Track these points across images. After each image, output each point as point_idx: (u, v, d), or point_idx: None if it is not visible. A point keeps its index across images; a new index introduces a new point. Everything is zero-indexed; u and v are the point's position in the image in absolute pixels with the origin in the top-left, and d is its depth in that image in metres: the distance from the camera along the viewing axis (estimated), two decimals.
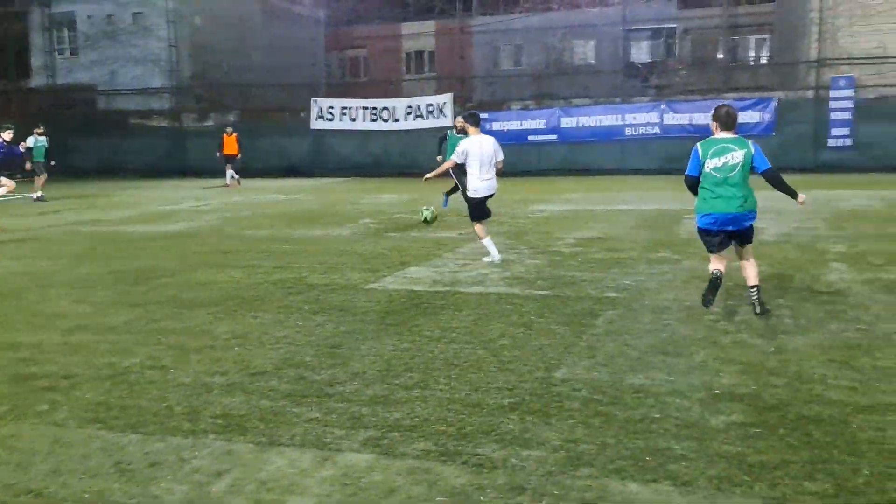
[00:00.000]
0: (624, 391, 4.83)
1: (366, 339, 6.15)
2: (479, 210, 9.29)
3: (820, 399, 4.60)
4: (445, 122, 25.49)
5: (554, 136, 24.04)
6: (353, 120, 26.70)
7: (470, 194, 9.37)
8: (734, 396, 4.69)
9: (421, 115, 25.97)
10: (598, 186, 19.77)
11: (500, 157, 9.29)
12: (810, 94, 22.92)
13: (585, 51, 34.42)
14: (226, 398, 4.90)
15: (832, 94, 21.89)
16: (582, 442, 4.09)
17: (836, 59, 23.06)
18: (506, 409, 4.58)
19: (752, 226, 6.56)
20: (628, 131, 23.86)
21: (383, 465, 3.90)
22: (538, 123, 24.36)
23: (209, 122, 29.13)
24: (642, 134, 23.71)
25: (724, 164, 6.53)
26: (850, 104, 21.71)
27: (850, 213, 13.16)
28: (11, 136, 16.57)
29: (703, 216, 6.62)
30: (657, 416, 4.42)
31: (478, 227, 9.36)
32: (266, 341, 6.19)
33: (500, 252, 9.47)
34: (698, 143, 6.81)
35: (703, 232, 6.66)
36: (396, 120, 26.03)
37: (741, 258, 6.69)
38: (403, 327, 6.51)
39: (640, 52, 33.70)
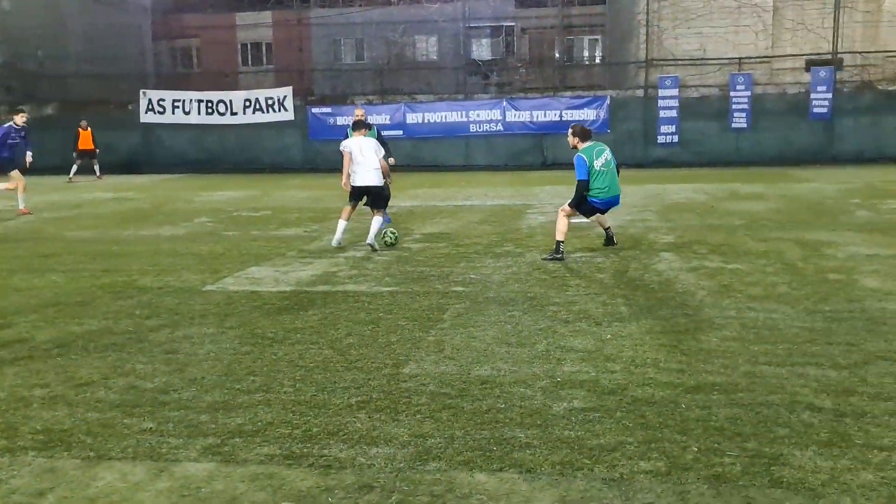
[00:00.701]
0: (471, 383, 4.88)
1: (204, 344, 5.88)
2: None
3: (653, 382, 4.84)
4: (287, 116, 25.00)
5: (399, 132, 24.10)
6: (187, 113, 25.50)
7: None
8: (575, 383, 4.84)
9: (260, 109, 25.20)
10: (443, 182, 20.02)
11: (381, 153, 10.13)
12: (640, 93, 24.27)
13: (427, 47, 34.78)
14: (47, 412, 4.52)
15: (660, 93, 23.28)
16: (430, 436, 4.08)
17: (663, 59, 24.55)
18: (353, 408, 4.51)
19: None
20: (473, 128, 24.32)
21: (224, 473, 3.72)
22: (383, 118, 24.33)
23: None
24: (486, 130, 24.25)
25: (606, 160, 9.05)
26: (675, 103, 23.18)
27: (678, 205, 14.03)
28: (25, 119, 14.53)
29: (600, 200, 9.13)
30: (503, 406, 4.49)
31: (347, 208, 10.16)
32: (92, 350, 5.77)
33: (346, 250, 9.44)
34: (580, 154, 9.01)
35: (593, 207, 9.23)
36: (234, 113, 25.11)
37: (601, 219, 9.61)
38: (245, 330, 6.28)
39: (481, 50, 34.50)
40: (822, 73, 22.47)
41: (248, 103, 25.27)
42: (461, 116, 24.31)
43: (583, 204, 9.18)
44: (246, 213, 14.29)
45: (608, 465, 3.72)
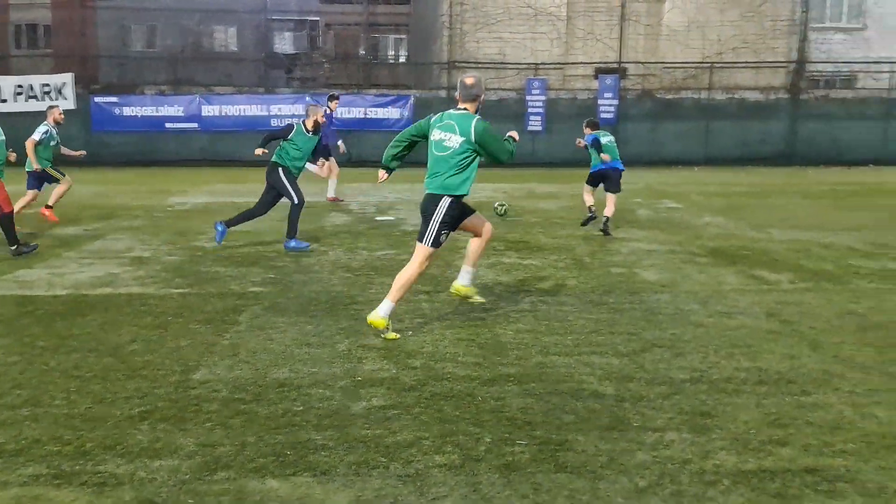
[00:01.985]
0: (267, 387, 4.72)
1: None
2: None
3: (451, 376, 4.92)
4: (67, 104, 23.05)
5: (195, 125, 22.99)
6: None
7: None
8: (375, 381, 4.82)
9: (35, 96, 23.03)
10: (243, 178, 19.35)
11: None
12: (443, 93, 24.83)
13: (227, 37, 33.53)
14: None
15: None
16: (220, 445, 3.89)
17: (465, 62, 25.27)
18: (135, 419, 4.21)
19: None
20: (274, 122, 23.69)
21: None
22: (176, 110, 23.12)
23: None
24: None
25: (611, 140, 11.29)
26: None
27: (478, 204, 14.41)
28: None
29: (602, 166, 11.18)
30: (300, 408, 4.38)
31: None
32: None
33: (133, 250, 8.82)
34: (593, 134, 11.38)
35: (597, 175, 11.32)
36: (3, 100, 22.77)
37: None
38: (12, 339, 5.69)
39: (284, 43, 33.78)
40: (609, 80, 24.13)
41: (20, 90, 23.01)
42: (262, 110, 23.62)
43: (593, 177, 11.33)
44: (16, 210, 13.00)
45: (404, 462, 3.72)
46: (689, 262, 8.63)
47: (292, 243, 9.40)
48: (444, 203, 5.85)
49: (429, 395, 4.60)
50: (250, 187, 17.17)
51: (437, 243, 5.89)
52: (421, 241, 5.91)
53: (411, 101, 23.73)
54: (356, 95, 24.29)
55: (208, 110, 23.35)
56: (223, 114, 23.36)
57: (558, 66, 25.62)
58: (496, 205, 12.63)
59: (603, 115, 24.08)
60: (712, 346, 5.53)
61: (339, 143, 15.07)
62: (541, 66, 25.16)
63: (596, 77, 25.14)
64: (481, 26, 25.30)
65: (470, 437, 4.01)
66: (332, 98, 15.11)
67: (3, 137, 9.26)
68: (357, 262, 8.73)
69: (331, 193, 14.72)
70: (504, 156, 5.94)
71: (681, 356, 5.31)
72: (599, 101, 24.09)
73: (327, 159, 14.12)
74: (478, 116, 5.94)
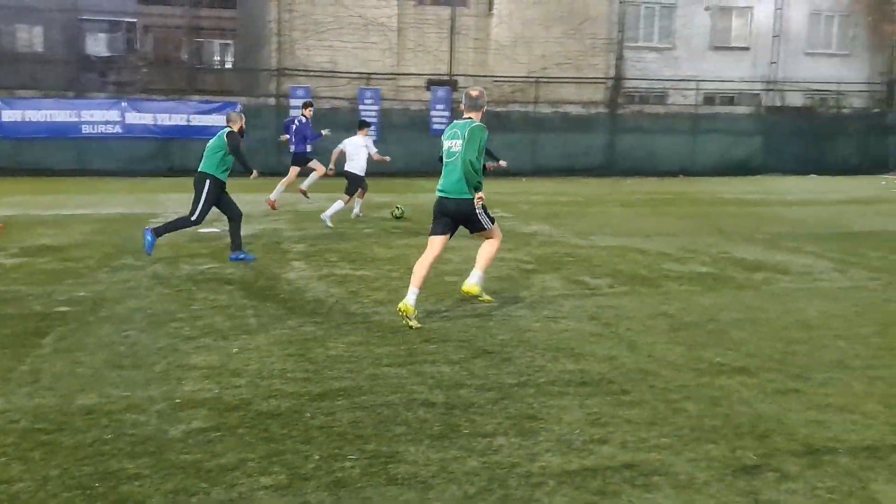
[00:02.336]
0: (73, 415, 4.35)
1: None
2: None
3: (279, 393, 4.75)
4: None
5: None
6: None
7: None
8: (195, 403, 4.57)
9: None
10: (50, 189, 17.99)
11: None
12: (272, 101, 24.28)
13: (31, 37, 31.04)
14: None
15: (292, 102, 23.48)
16: (18, 481, 3.53)
17: (295, 70, 24.84)
18: None
19: None
20: (86, 129, 22.20)
21: None
22: None
23: None
24: (102, 133, 22.28)
25: None
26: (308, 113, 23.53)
27: (310, 214, 14.20)
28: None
29: None
30: (110, 436, 4.06)
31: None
32: None
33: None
34: None
35: None
36: None
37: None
38: None
39: (97, 45, 31.75)
40: (441, 92, 24.57)
41: None
42: (72, 116, 22.03)
43: None
44: None
45: (227, 486, 3.53)
46: (517, 270, 8.88)
47: (241, 255, 9.29)
48: (478, 203, 6.63)
49: (254, 414, 4.41)
50: (56, 199, 15.99)
51: (493, 220, 6.95)
52: (488, 227, 6.89)
53: (239, 108, 22.98)
54: (178, 102, 23.22)
55: (9, 115, 21.51)
56: (27, 119, 21.60)
57: (390, 76, 25.78)
58: (394, 208, 13.48)
59: (435, 126, 24.50)
60: (539, 350, 5.69)
61: (325, 131, 14.98)
62: (373, 76, 25.21)
63: (428, 88, 25.53)
64: (311, 34, 24.98)
65: (298, 455, 3.87)
66: (306, 105, 14.78)
67: None
68: (178, 276, 8.29)
69: (274, 196, 14.31)
70: (469, 162, 6.46)
71: (509, 361, 5.42)
72: (432, 113, 24.49)
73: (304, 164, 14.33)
74: (478, 122, 6.62)
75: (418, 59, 26.26)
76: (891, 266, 9.28)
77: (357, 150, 13.26)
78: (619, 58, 27.51)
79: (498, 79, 26.54)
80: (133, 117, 22.41)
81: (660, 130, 25.26)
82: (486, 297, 7.21)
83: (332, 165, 13.55)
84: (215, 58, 35.64)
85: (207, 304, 7.08)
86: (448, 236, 6.89)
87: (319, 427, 4.22)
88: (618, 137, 26.17)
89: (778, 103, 28.67)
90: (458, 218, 6.76)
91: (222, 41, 35.19)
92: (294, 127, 14.42)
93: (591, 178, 24.23)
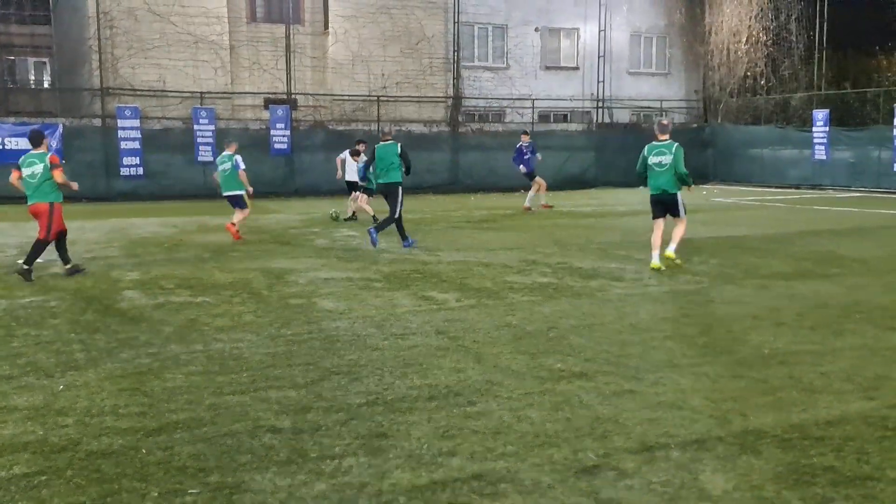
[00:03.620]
0: None
1: None
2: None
3: (111, 430, 4.48)
4: None
5: None
6: None
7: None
8: (17, 446, 4.23)
9: None
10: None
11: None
12: (98, 122, 23.00)
13: None
14: None
15: (119, 122, 22.31)
16: None
17: (120, 88, 23.63)
18: None
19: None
20: None
21: None
22: None
23: None
24: None
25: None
26: (138, 134, 22.47)
27: (144, 239, 13.57)
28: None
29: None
30: None
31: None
32: None
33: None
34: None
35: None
36: None
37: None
38: None
39: None
40: (280, 111, 24.16)
41: None
42: None
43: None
44: None
45: None
46: (365, 289, 8.85)
47: None
48: (679, 195, 10.07)
49: (84, 454, 4.13)
50: None
51: (685, 210, 10.34)
52: (680, 216, 10.20)
53: (60, 129, 21.59)
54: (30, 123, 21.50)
55: None
56: None
57: (225, 95, 25.11)
58: (331, 211, 14.53)
59: (276, 146, 24.07)
60: (388, 368, 5.69)
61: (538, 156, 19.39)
62: (206, 95, 24.44)
63: (266, 107, 25.06)
64: (136, 51, 23.85)
65: (134, 493, 3.66)
66: (525, 133, 19.74)
67: None
68: None
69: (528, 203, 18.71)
70: (681, 170, 9.93)
71: (357, 380, 5.39)
72: (272, 132, 24.02)
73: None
74: (677, 144, 10.04)
75: (255, 78, 25.74)
76: (712, 270, 10.03)
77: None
78: (457, 77, 28.20)
79: (337, 97, 26.48)
80: None
81: (500, 147, 26.01)
82: (680, 261, 10.21)
83: None
84: (30, 77, 33.28)
85: (30, 340, 6.57)
86: (664, 218, 10.12)
87: (157, 463, 4.02)
88: (461, 155, 26.76)
89: (607, 120, 30.38)
90: (668, 206, 10.08)
91: (37, 59, 32.91)
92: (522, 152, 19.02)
93: (437, 194, 24.61)
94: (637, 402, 4.94)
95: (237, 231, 13.36)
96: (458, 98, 28.16)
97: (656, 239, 10.02)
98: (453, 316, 7.41)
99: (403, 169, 12.38)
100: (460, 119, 27.89)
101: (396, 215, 12.31)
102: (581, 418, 4.66)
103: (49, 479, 3.82)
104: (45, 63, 33.09)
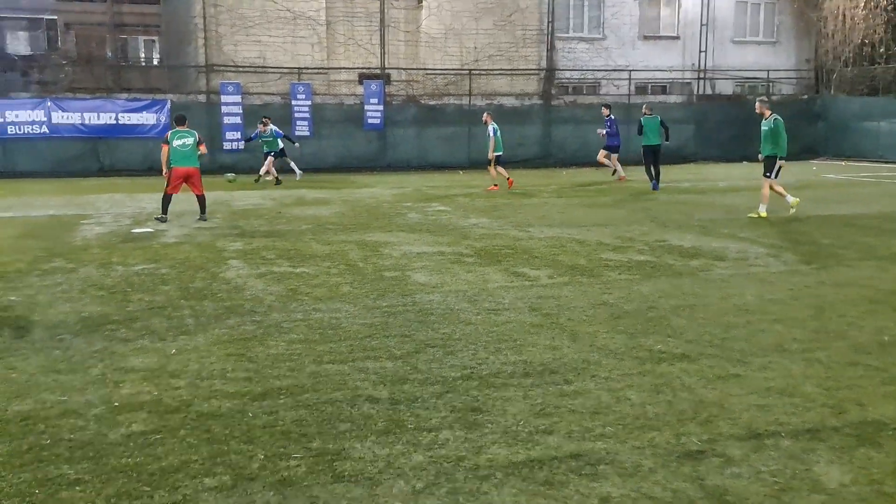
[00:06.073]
0: (8, 421, 4.23)
1: None
2: None
3: (219, 393, 4.68)
4: None
5: None
6: None
7: None
8: (134, 406, 4.47)
9: None
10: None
11: None
12: (202, 97, 23.78)
13: None
14: None
15: (222, 98, 23.05)
16: None
17: (223, 65, 24.35)
18: None
19: None
20: (11, 130, 21.43)
21: None
22: None
23: None
24: (28, 133, 21.55)
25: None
26: (239, 109, 23.17)
27: (245, 211, 14.01)
28: None
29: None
30: (47, 442, 3.96)
31: None
32: None
33: None
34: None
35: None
36: None
37: None
38: None
39: (18, 44, 30.57)
40: (374, 86, 24.41)
41: None
42: None
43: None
44: None
45: (170, 488, 3.48)
46: (457, 263, 8.91)
47: None
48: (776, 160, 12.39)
49: (195, 415, 4.34)
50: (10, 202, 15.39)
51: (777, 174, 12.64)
52: (771, 176, 12.51)
53: (168, 105, 22.47)
54: (105, 100, 22.56)
55: None
56: None
57: (322, 70, 25.51)
58: (227, 175, 14.53)
59: (370, 121, 24.35)
60: (481, 343, 5.72)
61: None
62: (304, 71, 24.91)
63: (361, 82, 25.36)
64: (238, 29, 24.51)
65: (242, 455, 3.82)
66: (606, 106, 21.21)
67: None
68: (112, 278, 8.07)
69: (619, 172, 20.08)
70: (779, 144, 12.41)
71: (452, 354, 5.44)
72: (366, 107, 24.31)
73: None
74: (776, 115, 12.52)
75: (349, 53, 26.03)
76: (822, 250, 9.63)
77: None
78: (551, 49, 27.77)
79: (430, 71, 26.53)
80: (59, 117, 21.68)
81: (594, 120, 25.51)
82: (765, 214, 12.44)
83: None
84: (141, 55, 34.66)
85: (144, 305, 6.92)
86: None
87: (262, 426, 4.18)
88: (553, 128, 26.41)
89: (709, 91, 29.35)
90: (767, 165, 12.44)
91: (147, 37, 34.24)
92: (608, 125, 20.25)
93: (528, 169, 24.43)
94: (744, 388, 4.80)
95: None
96: (551, 70, 27.76)
97: (766, 189, 12.64)
98: (546, 293, 7.37)
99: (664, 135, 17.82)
100: (553, 92, 27.50)
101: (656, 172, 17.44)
102: (683, 402, 4.57)
103: (164, 438, 4.02)
104: (154, 41, 34.41)
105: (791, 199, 12.73)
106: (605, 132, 20.25)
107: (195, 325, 6.23)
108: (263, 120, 20.02)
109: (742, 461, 3.80)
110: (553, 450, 3.91)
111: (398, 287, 7.66)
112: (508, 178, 17.77)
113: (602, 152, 20.57)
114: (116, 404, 4.49)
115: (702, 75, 29.33)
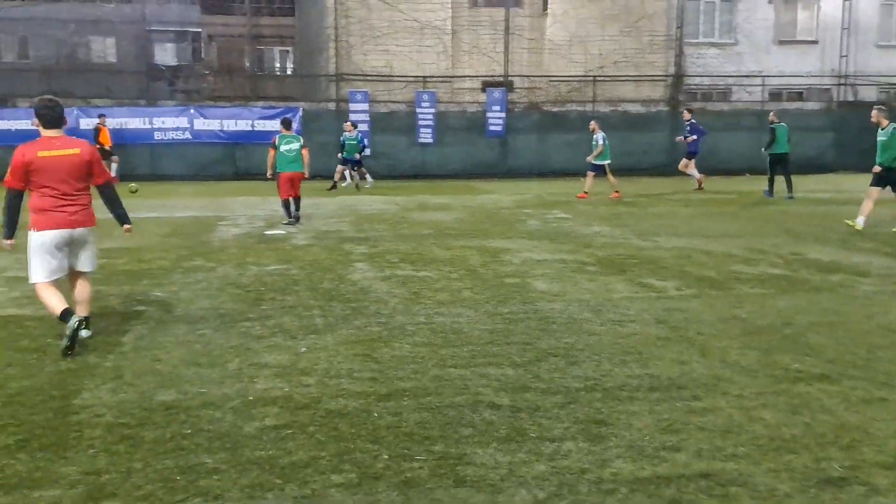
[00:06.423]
0: (154, 410, 4.49)
1: None
2: None
3: (346, 392, 4.81)
4: None
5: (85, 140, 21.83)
6: None
7: None
8: (267, 400, 4.66)
9: None
10: (125, 192, 18.53)
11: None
12: (332, 105, 24.61)
13: (105, 48, 32.06)
14: None
15: (351, 106, 23.80)
16: (105, 472, 3.68)
17: (353, 74, 25.14)
18: (11, 448, 3.93)
19: None
20: (158, 135, 22.90)
21: None
22: None
23: None
24: (173, 139, 22.97)
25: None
26: (366, 117, 23.85)
27: (370, 216, 14.38)
28: None
29: None
30: (189, 431, 4.18)
31: None
32: None
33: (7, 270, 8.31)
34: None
35: None
36: None
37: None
38: None
39: (165, 55, 32.64)
40: (496, 93, 24.54)
41: None
42: (144, 123, 22.78)
43: None
44: None
45: (300, 482, 3.60)
46: (578, 272, 8.81)
47: None
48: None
49: (324, 412, 4.48)
50: (130, 203, 16.45)
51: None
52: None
53: (300, 113, 23.39)
54: (243, 108, 23.76)
55: (86, 123, 22.26)
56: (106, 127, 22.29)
57: (446, 79, 25.87)
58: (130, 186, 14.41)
59: (491, 128, 24.48)
60: (605, 354, 5.63)
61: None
62: (429, 79, 25.33)
63: (483, 90, 25.53)
64: (367, 39, 25.23)
65: (367, 454, 3.92)
66: (689, 110, 20.79)
67: None
68: (246, 278, 8.47)
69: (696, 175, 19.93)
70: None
71: (575, 365, 5.39)
72: (488, 114, 24.48)
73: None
74: (894, 124, 11.86)
75: (473, 61, 26.28)
76: None
77: None
78: (679, 54, 27.07)
79: (554, 78, 26.38)
80: (201, 123, 23.03)
81: (724, 128, 24.70)
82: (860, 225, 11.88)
83: None
84: (276, 64, 36.29)
85: (276, 304, 7.22)
86: (881, 189, 11.96)
87: (387, 427, 4.27)
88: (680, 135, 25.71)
89: (850, 98, 27.77)
90: (889, 179, 11.91)
91: (282, 48, 35.83)
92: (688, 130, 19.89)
93: (653, 177, 23.87)
94: (890, 412, 4.49)
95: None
96: (679, 76, 27.05)
97: (870, 202, 11.92)
98: (674, 305, 7.17)
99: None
100: (681, 98, 26.76)
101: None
102: (823, 424, 4.32)
103: (294, 433, 4.18)
104: (288, 52, 35.97)
105: (861, 220, 11.95)
106: (688, 138, 19.68)
107: (324, 325, 6.44)
108: (349, 124, 20.42)
109: (889, 491, 3.56)
110: (681, 467, 3.79)
111: (519, 294, 7.65)
112: (616, 191, 17.62)
113: (683, 161, 20.01)
114: (251, 398, 4.70)
115: (842, 81, 27.80)
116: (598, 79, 26.06)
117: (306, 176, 13.05)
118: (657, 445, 4.04)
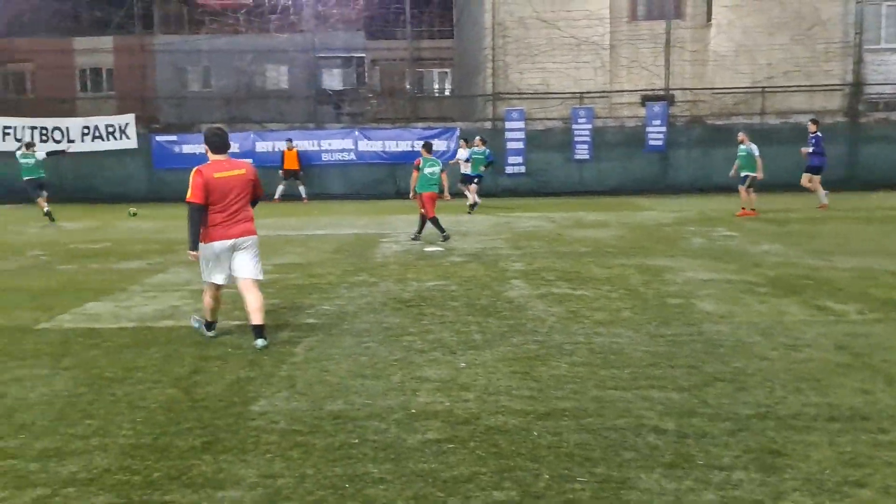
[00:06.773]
0: (323, 419, 4.72)
1: (35, 387, 5.40)
2: None
3: (506, 409, 4.85)
4: (129, 144, 23.86)
5: (249, 160, 23.43)
6: (19, 140, 23.70)
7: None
8: (429, 414, 4.78)
9: (100, 136, 23.87)
10: (295, 211, 19.63)
11: None
12: (488, 124, 24.93)
13: (278, 76, 34.21)
14: None
15: (507, 125, 24.02)
16: (280, 476, 3.90)
17: (509, 93, 25.36)
18: (198, 449, 4.25)
19: None
20: (325, 157, 24.11)
21: None
22: (234, 147, 23.65)
23: None
24: (339, 160, 24.11)
25: None
26: (522, 135, 23.98)
27: (527, 233, 14.41)
28: None
29: None
30: (356, 441, 4.36)
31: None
32: None
33: (192, 283, 9.02)
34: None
35: None
36: (71, 141, 23.57)
37: None
38: (81, 370, 5.81)
39: (332, 80, 34.35)
40: (657, 108, 23.94)
41: (86, 130, 23.87)
42: (313, 145, 24.06)
43: None
44: (84, 246, 13.37)
45: (462, 497, 3.66)
46: (747, 292, 8.42)
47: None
48: None
49: (484, 428, 4.53)
50: (301, 221, 17.41)
51: None
52: None
53: (457, 133, 23.87)
54: (403, 129, 24.56)
55: (262, 146, 23.82)
56: (276, 149, 23.78)
57: (604, 94, 25.53)
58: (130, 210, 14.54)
59: (651, 143, 23.89)
60: (778, 381, 5.35)
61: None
62: (586, 95, 25.11)
63: (643, 104, 24.98)
64: (524, 58, 25.36)
65: (528, 472, 3.93)
66: (814, 122, 18.77)
67: None
68: (408, 293, 8.72)
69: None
70: None
71: (745, 390, 5.15)
72: (648, 129, 23.91)
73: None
74: None
75: (632, 76, 25.78)
76: None
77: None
78: (858, 62, 25.30)
79: (718, 91, 25.40)
80: (364, 145, 24.04)
81: None
82: None
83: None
84: (435, 86, 37.28)
85: (436, 319, 7.39)
86: None
87: (547, 446, 4.26)
88: (860, 147, 24.00)
89: None
90: None
91: (441, 70, 36.78)
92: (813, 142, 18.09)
93: (830, 192, 22.39)
94: None
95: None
96: (858, 85, 25.28)
97: None
98: (855, 330, 6.69)
99: None
100: (861, 108, 24.98)
101: None
102: None
103: (455, 448, 4.26)
104: (447, 73, 36.89)
105: None
106: (809, 151, 18.03)
107: (482, 341, 6.53)
108: (479, 139, 20.15)
109: None
110: None
111: (682, 315, 7.41)
112: (752, 208, 16.70)
113: (805, 176, 18.30)
114: (413, 411, 4.84)
115: None
116: (768, 90, 24.83)
117: (447, 197, 13.59)
118: (839, 480, 3.79)
